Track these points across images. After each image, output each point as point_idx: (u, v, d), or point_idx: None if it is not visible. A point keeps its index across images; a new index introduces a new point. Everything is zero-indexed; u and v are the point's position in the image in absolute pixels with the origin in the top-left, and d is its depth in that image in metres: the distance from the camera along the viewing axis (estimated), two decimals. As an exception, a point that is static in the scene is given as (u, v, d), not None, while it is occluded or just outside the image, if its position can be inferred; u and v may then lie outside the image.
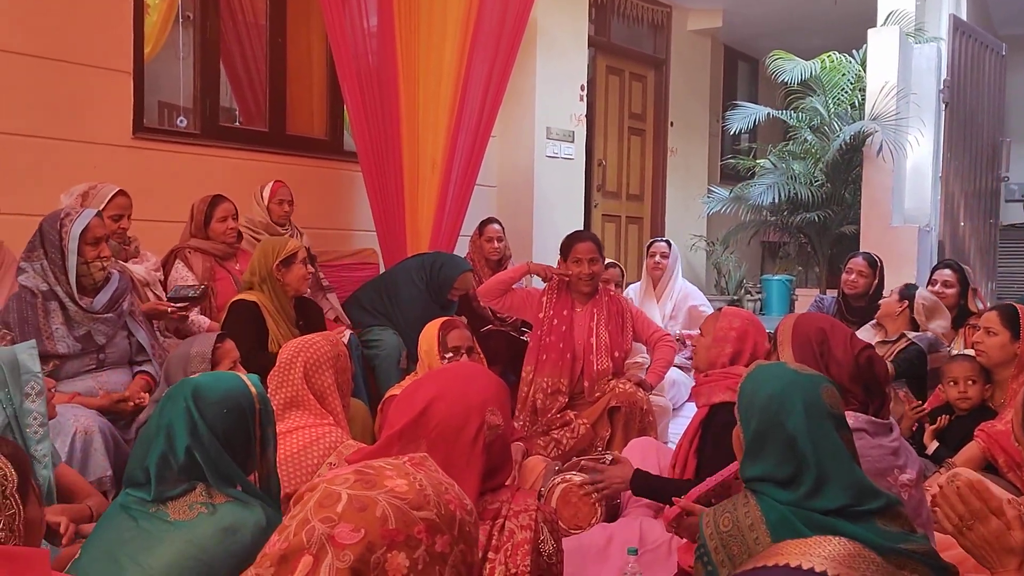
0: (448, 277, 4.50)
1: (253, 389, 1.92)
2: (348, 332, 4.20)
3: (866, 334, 4.27)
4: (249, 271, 3.69)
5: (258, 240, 4.36)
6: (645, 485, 2.78)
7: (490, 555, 1.62)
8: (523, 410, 3.86)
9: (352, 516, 0.96)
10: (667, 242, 5.55)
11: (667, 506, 2.13)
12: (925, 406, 3.62)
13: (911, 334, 4.10)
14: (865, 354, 2.31)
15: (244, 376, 1.97)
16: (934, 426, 3.42)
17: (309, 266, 3.76)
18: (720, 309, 3.00)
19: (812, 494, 1.62)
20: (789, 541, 1.01)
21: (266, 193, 4.47)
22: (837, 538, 1.00)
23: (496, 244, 5.18)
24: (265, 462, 1.95)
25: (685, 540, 2.71)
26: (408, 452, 1.66)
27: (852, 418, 2.23)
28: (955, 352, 4.22)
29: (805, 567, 0.93)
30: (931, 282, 4.61)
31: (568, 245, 3.93)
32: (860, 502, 1.60)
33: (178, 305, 3.63)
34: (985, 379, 3.39)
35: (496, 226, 5.21)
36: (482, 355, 3.50)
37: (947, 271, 4.54)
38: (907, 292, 4.27)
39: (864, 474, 1.66)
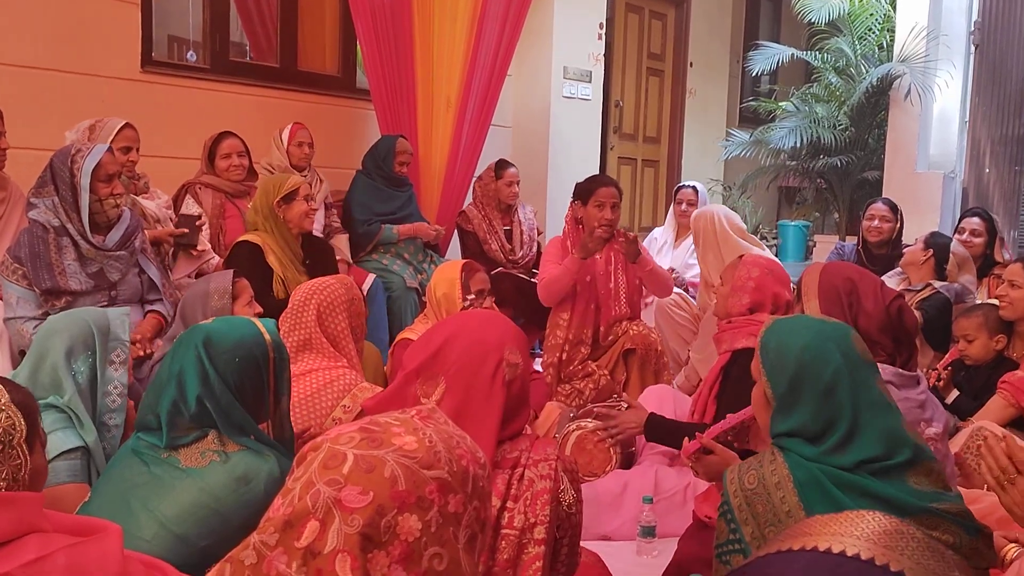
0: (386, 148, 4.62)
1: (267, 336, 1.87)
2: (372, 277, 4.18)
3: (890, 282, 4.18)
4: (252, 210, 3.63)
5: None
6: (659, 430, 2.75)
7: (508, 504, 1.59)
8: (550, 356, 3.79)
9: (359, 478, 0.91)
10: (693, 188, 5.34)
11: (687, 441, 2.09)
12: (939, 366, 3.56)
13: (937, 283, 4.02)
14: (896, 304, 2.25)
15: (258, 322, 1.91)
16: (941, 382, 3.37)
17: (312, 202, 3.67)
18: (740, 257, 2.92)
19: (838, 448, 1.56)
20: (817, 518, 0.93)
21: (285, 136, 4.40)
22: (872, 513, 0.92)
23: (515, 188, 5.09)
24: (279, 411, 1.91)
25: (701, 491, 2.69)
26: (426, 390, 1.62)
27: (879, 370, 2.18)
28: (979, 302, 4.19)
29: (839, 551, 0.85)
30: (958, 230, 4.50)
31: (589, 188, 3.81)
32: (890, 454, 1.54)
33: (180, 225, 3.59)
34: (993, 332, 3.33)
35: (514, 169, 5.12)
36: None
37: (976, 219, 4.43)
38: (933, 241, 4.17)
39: (900, 423, 1.60)
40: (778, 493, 1.56)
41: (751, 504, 1.58)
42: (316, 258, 3.69)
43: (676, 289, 4.46)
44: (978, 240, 4.40)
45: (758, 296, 2.72)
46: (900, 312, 2.24)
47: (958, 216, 6.30)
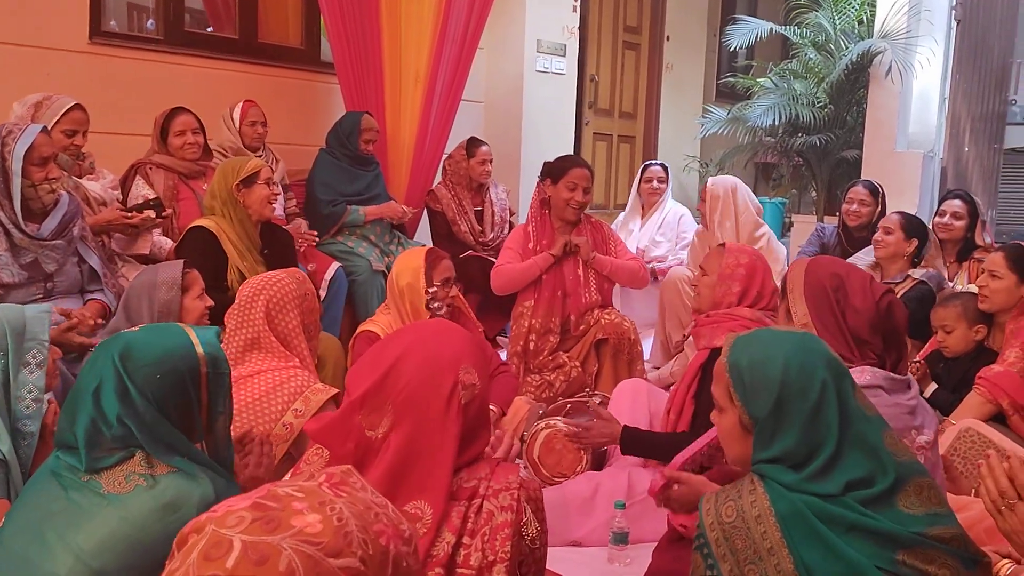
0: (351, 125, 4.43)
1: (200, 349, 1.67)
2: (336, 265, 4.01)
3: (861, 263, 4.03)
4: (209, 194, 3.43)
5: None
6: (635, 442, 2.61)
7: (465, 540, 1.43)
8: (514, 346, 3.67)
9: (248, 573, 0.74)
10: (662, 166, 5.25)
11: (655, 462, 1.94)
12: (918, 357, 3.44)
13: (916, 272, 3.88)
14: (886, 300, 2.11)
15: (192, 332, 1.72)
16: (917, 374, 3.26)
17: (275, 187, 3.48)
18: (722, 245, 2.77)
19: (822, 472, 1.42)
20: None
21: (236, 115, 4.18)
22: None
23: (488, 167, 4.92)
24: (213, 434, 1.72)
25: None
26: (372, 421, 1.45)
27: (869, 374, 2.05)
28: (959, 288, 4.08)
29: None
30: (939, 212, 4.37)
31: (562, 167, 3.67)
32: (874, 477, 1.41)
33: (134, 209, 3.38)
34: (972, 322, 3.22)
35: (486, 148, 4.94)
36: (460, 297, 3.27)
37: (957, 202, 4.29)
38: (910, 226, 3.99)
39: (881, 438, 1.46)
40: (759, 528, 1.41)
41: (729, 539, 1.43)
42: (275, 248, 3.50)
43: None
44: (959, 223, 4.26)
45: (748, 284, 2.60)
46: (890, 309, 2.10)
47: (937, 197, 6.22)
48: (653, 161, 5.41)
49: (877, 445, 1.46)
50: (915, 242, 3.90)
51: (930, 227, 4.24)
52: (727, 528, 1.43)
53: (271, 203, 3.45)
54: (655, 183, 5.15)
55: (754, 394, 1.49)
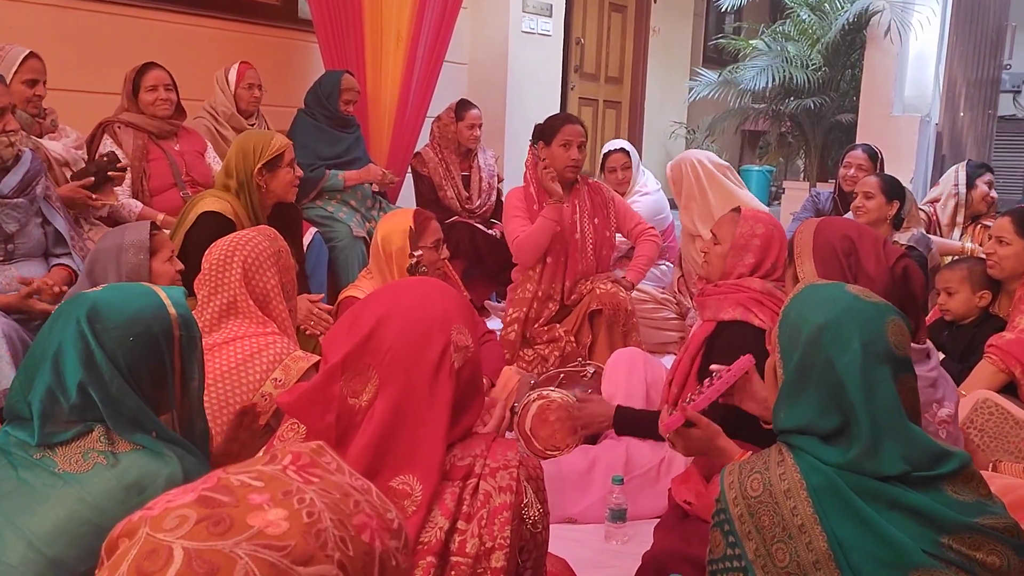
0: (330, 85, 4.25)
1: (172, 309, 1.52)
2: (313, 231, 3.84)
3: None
4: (225, 172, 3.11)
5: (220, 133, 3.95)
6: (630, 423, 2.48)
7: (460, 525, 1.28)
8: (517, 310, 3.52)
9: None
10: (623, 150, 4.49)
11: (667, 413, 1.81)
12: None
13: (902, 237, 3.74)
14: (901, 264, 1.98)
15: (161, 291, 1.57)
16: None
17: (298, 168, 3.21)
18: (737, 210, 2.55)
19: (869, 454, 1.27)
20: None
21: (232, 77, 4.03)
22: None
23: (477, 132, 4.73)
24: (187, 400, 1.57)
25: (678, 467, 2.45)
26: (355, 387, 1.30)
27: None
28: (968, 245, 4.01)
29: None
30: (987, 183, 4.30)
31: (554, 126, 3.50)
32: (931, 467, 1.27)
33: (83, 174, 3.17)
34: (976, 287, 3.10)
35: (476, 111, 4.74)
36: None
37: (990, 174, 4.29)
38: (893, 191, 3.77)
39: (924, 436, 1.31)
40: (788, 503, 1.28)
41: (755, 515, 1.30)
42: (282, 229, 3.23)
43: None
44: (995, 193, 4.28)
45: (762, 256, 2.41)
46: (906, 273, 1.97)
47: (931, 162, 6.12)
48: (612, 146, 4.58)
49: (921, 439, 1.31)
50: (896, 204, 3.71)
51: (958, 196, 4.24)
52: (752, 503, 1.30)
53: (295, 187, 3.17)
54: (619, 173, 4.46)
55: (786, 348, 1.38)
